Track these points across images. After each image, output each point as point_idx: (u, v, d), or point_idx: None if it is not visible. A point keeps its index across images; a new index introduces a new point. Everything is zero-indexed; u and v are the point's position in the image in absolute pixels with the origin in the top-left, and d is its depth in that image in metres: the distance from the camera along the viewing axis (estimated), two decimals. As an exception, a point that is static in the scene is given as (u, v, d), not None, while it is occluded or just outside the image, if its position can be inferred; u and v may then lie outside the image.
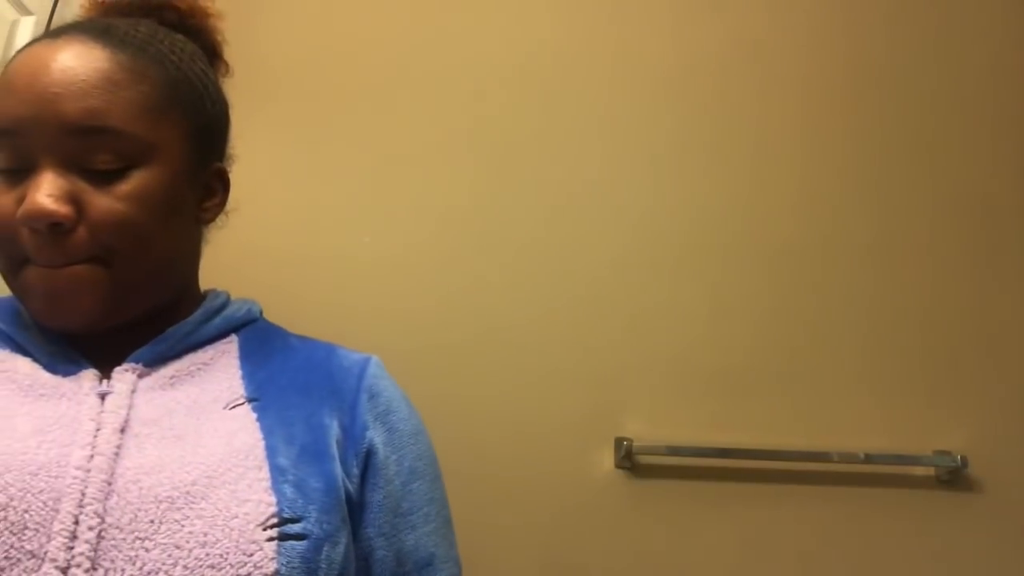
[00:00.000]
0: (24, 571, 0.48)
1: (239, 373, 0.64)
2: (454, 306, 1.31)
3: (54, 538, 0.49)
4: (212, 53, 0.73)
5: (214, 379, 0.63)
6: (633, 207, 1.35)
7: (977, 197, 1.35)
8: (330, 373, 0.68)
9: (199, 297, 0.71)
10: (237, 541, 0.51)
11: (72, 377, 0.59)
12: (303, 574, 0.53)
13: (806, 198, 1.35)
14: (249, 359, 0.67)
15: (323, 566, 0.55)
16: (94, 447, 0.53)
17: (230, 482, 0.54)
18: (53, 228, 0.56)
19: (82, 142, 0.57)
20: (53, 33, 0.61)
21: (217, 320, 0.68)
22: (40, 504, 0.50)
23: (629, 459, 1.23)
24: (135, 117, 0.58)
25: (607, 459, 1.24)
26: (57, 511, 0.50)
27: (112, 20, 0.64)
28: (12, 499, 0.49)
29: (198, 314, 0.67)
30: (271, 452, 0.57)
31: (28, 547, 0.49)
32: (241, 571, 0.51)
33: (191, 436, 0.57)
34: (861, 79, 1.41)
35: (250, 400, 0.62)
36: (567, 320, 1.30)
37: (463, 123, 1.40)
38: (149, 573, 0.49)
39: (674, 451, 1.21)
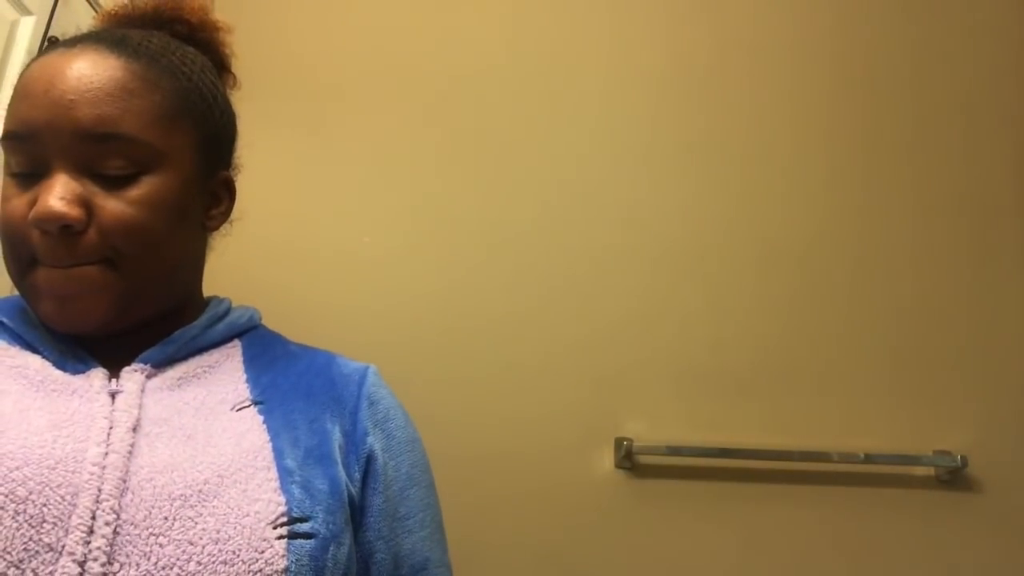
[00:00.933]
0: (42, 563, 0.49)
1: (244, 377, 0.66)
2: (454, 305, 1.31)
3: (72, 532, 0.50)
4: (221, 66, 0.75)
5: (220, 382, 0.64)
6: (633, 207, 1.36)
7: (976, 197, 1.35)
8: (332, 380, 0.70)
9: (203, 303, 0.72)
10: (249, 539, 0.52)
11: (82, 375, 0.60)
12: (311, 572, 0.54)
13: (806, 199, 1.36)
14: (253, 363, 0.68)
15: (329, 565, 0.56)
16: (108, 444, 0.54)
17: (241, 481, 0.55)
18: (64, 230, 0.57)
19: (95, 147, 0.58)
20: (69, 42, 0.63)
21: (221, 326, 0.69)
22: (58, 498, 0.51)
23: (629, 459, 1.23)
24: (147, 125, 0.60)
25: (607, 459, 1.24)
26: (75, 506, 0.51)
27: (126, 31, 0.66)
28: (31, 492, 0.50)
29: (203, 319, 0.68)
30: (278, 454, 0.59)
31: (46, 540, 0.49)
32: (253, 567, 0.52)
33: (201, 436, 0.58)
34: (854, 78, 1.41)
35: (255, 403, 0.63)
36: (567, 320, 1.30)
37: (462, 124, 1.40)
38: (163, 568, 0.50)
39: (674, 451, 1.22)
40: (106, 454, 0.53)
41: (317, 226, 1.35)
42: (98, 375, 0.59)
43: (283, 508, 0.55)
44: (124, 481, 0.53)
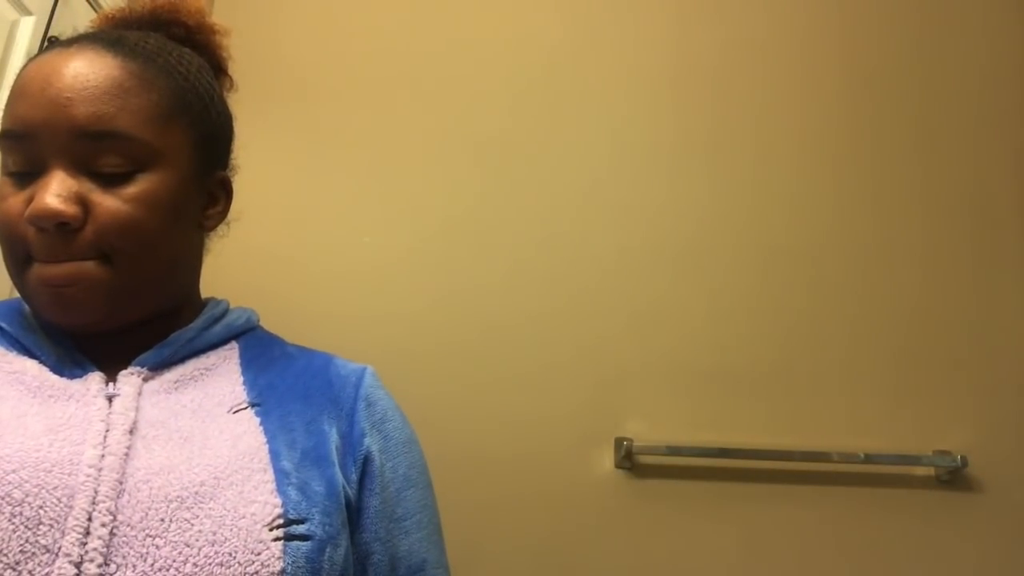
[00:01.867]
0: (39, 565, 0.49)
1: (241, 379, 0.66)
2: (454, 306, 1.31)
3: (68, 533, 0.50)
4: (217, 68, 0.75)
5: (217, 384, 0.64)
6: (633, 208, 1.35)
7: (976, 198, 1.35)
8: (329, 381, 0.70)
9: (200, 304, 0.72)
10: (245, 540, 0.53)
11: (79, 380, 0.60)
12: (307, 574, 0.54)
13: (806, 199, 1.36)
14: (250, 365, 0.68)
15: (326, 567, 0.56)
16: (105, 447, 0.55)
17: (237, 483, 0.55)
18: (60, 227, 0.57)
19: (91, 145, 0.58)
20: (66, 42, 0.63)
21: (218, 327, 0.69)
22: (54, 500, 0.51)
23: (629, 459, 1.23)
24: (143, 123, 0.60)
25: (607, 459, 1.24)
26: (71, 507, 0.51)
27: (123, 32, 0.66)
28: (28, 495, 0.50)
29: (200, 320, 0.68)
30: (275, 456, 0.59)
31: (43, 542, 0.50)
32: (249, 569, 0.52)
33: (197, 438, 0.58)
34: (859, 81, 1.41)
35: (252, 405, 0.63)
36: (567, 320, 1.30)
37: (462, 124, 1.40)
38: (160, 570, 0.51)
39: (674, 451, 1.22)
40: (103, 456, 0.54)
41: (316, 228, 1.35)
42: (95, 379, 0.60)
43: (279, 510, 0.55)
44: (120, 483, 0.53)
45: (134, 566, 0.50)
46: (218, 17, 0.76)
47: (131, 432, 0.56)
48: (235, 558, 0.52)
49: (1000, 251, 1.33)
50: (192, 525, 0.52)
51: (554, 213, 1.35)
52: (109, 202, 0.58)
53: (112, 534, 0.51)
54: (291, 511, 0.55)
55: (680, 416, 1.26)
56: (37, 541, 0.49)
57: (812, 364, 1.28)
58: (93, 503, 0.51)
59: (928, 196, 1.36)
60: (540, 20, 1.45)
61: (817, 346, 1.29)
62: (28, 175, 0.59)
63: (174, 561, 0.51)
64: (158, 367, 0.63)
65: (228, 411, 0.62)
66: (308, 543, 0.55)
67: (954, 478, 1.23)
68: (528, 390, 1.27)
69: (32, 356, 0.61)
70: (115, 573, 0.50)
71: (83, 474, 0.52)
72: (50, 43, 1.12)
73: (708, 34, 1.43)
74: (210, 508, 0.53)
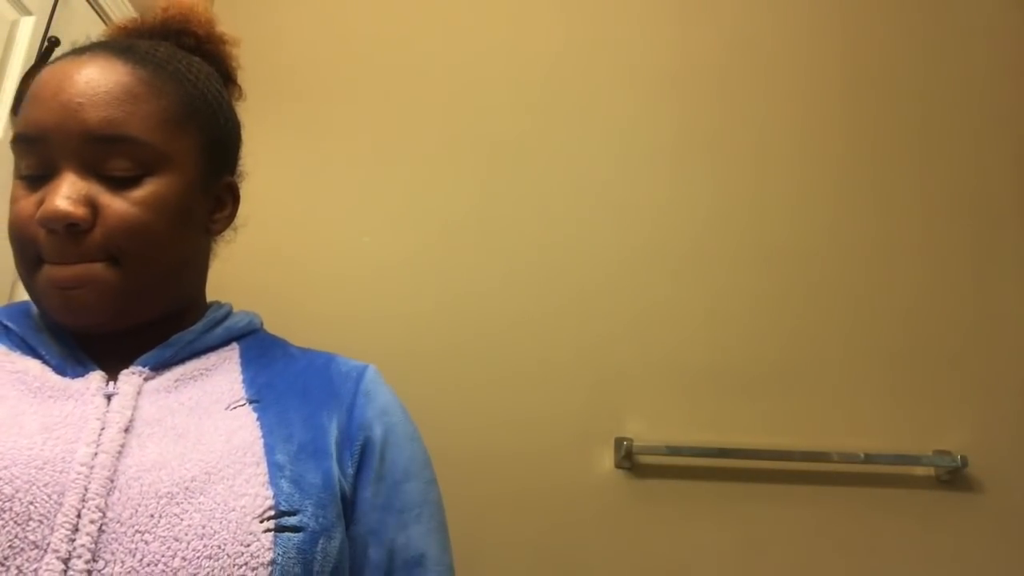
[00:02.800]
0: (27, 560, 0.49)
1: (240, 377, 0.66)
2: (456, 306, 1.31)
3: (57, 530, 0.50)
4: (227, 77, 0.76)
5: (216, 382, 0.65)
6: (633, 209, 1.36)
7: (976, 198, 1.35)
8: (329, 378, 0.70)
9: (204, 308, 0.73)
10: (235, 532, 0.53)
11: (80, 379, 0.61)
12: (298, 564, 0.55)
13: (806, 200, 1.36)
14: (250, 365, 0.69)
15: (318, 558, 0.56)
16: (99, 445, 0.55)
17: (228, 477, 0.56)
18: (69, 229, 0.58)
19: (101, 149, 0.59)
20: (78, 50, 0.64)
21: (219, 330, 0.70)
22: (44, 497, 0.51)
23: (629, 459, 1.23)
24: (152, 128, 0.61)
25: (607, 459, 1.24)
26: (61, 504, 0.51)
27: (135, 41, 0.68)
28: (18, 491, 0.51)
29: (202, 323, 0.69)
30: (269, 449, 0.59)
31: (31, 537, 0.50)
32: (238, 561, 0.52)
33: (192, 434, 0.59)
34: (860, 81, 1.41)
35: (250, 401, 0.64)
36: (567, 320, 1.30)
37: (463, 127, 1.40)
38: (148, 564, 0.51)
39: (674, 451, 1.22)
40: (95, 454, 0.54)
41: (318, 230, 1.36)
42: (96, 378, 0.60)
43: (270, 502, 0.55)
44: (112, 480, 0.53)
45: (123, 562, 0.51)
46: (222, 21, 0.76)
47: (127, 430, 0.57)
48: (224, 550, 0.52)
49: (1000, 251, 1.33)
50: (182, 520, 0.53)
51: (554, 214, 1.36)
52: (118, 204, 0.59)
53: (101, 530, 0.51)
54: (283, 503, 0.56)
55: (680, 416, 1.27)
56: (26, 537, 0.50)
57: (812, 364, 1.28)
58: (83, 500, 0.52)
59: (928, 196, 1.36)
60: (542, 23, 1.45)
61: (817, 346, 1.29)
62: (40, 178, 0.60)
63: (163, 556, 0.51)
64: (159, 367, 0.64)
65: (225, 408, 0.62)
66: (300, 534, 0.55)
67: (954, 478, 1.23)
68: (528, 390, 1.27)
69: (36, 355, 0.62)
70: (103, 569, 0.50)
71: (74, 471, 0.53)
72: (51, 43, 1.12)
73: (710, 36, 1.44)
74: (200, 502, 0.54)
